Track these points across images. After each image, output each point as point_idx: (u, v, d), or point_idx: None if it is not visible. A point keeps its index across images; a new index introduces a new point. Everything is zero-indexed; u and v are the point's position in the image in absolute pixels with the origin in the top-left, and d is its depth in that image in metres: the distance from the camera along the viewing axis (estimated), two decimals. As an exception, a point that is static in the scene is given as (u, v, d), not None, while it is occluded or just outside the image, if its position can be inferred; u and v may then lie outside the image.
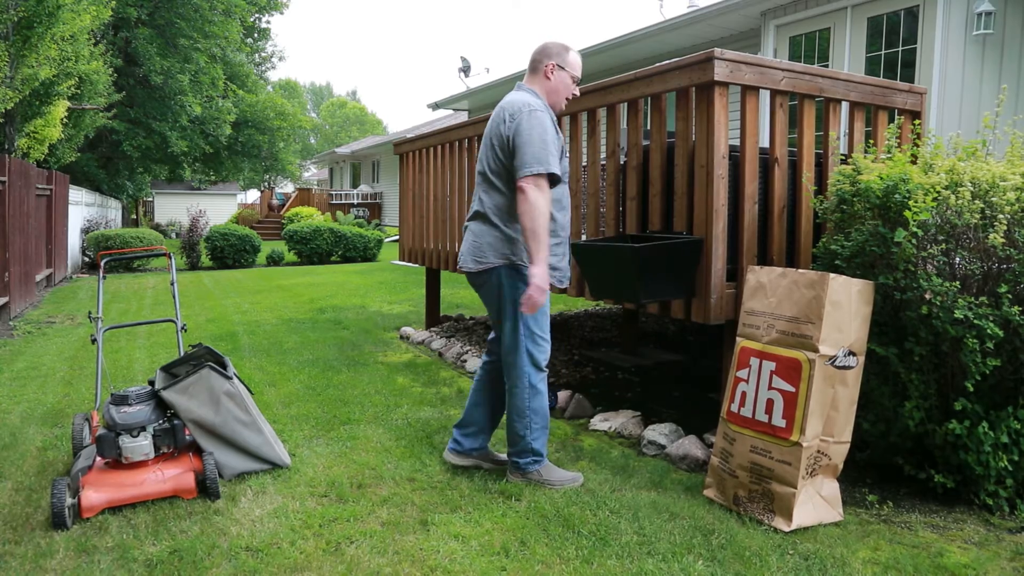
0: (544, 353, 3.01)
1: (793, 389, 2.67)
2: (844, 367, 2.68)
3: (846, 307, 2.67)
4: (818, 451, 2.69)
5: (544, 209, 2.78)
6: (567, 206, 3.07)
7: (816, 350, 2.62)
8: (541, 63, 3.02)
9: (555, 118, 3.00)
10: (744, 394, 2.84)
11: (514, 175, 2.84)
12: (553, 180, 2.87)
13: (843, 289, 2.66)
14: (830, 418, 2.70)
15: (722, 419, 2.96)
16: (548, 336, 3.03)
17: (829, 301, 2.62)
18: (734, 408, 2.88)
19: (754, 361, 2.82)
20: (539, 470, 3.03)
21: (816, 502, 2.71)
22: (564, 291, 3.08)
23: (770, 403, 2.74)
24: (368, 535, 2.60)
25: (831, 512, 2.73)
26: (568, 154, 3.08)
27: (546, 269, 2.81)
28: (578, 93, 3.12)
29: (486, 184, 3.00)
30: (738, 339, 2.95)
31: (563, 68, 3.01)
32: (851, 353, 2.69)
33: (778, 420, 2.71)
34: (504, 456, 3.24)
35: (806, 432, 2.63)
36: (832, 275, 2.64)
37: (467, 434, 3.21)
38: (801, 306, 2.70)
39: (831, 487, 2.76)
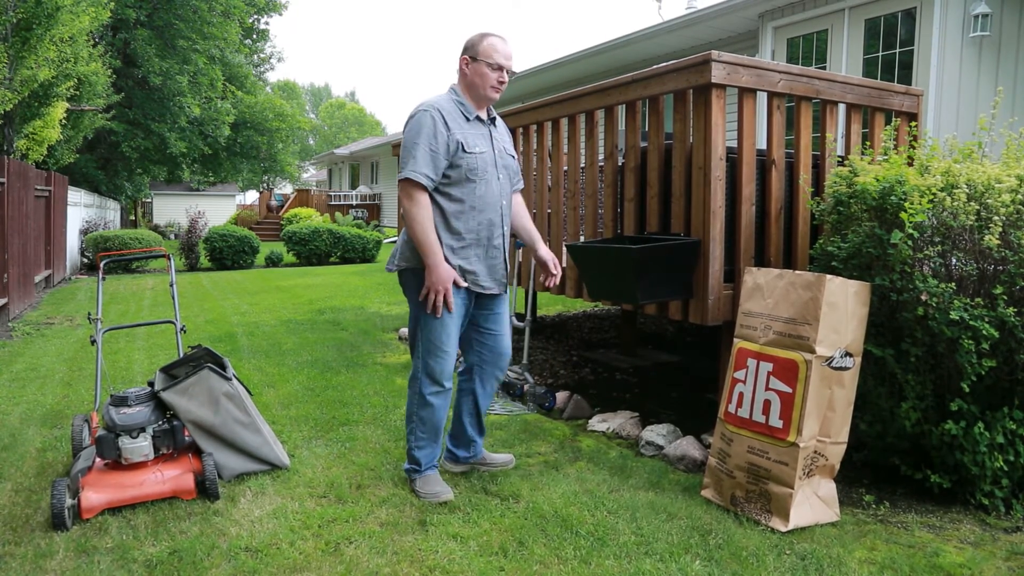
0: (441, 364, 2.90)
1: (790, 390, 2.68)
2: (841, 368, 2.69)
3: (843, 308, 2.68)
4: (815, 452, 2.70)
5: (412, 213, 2.77)
6: (485, 207, 2.90)
7: (813, 351, 2.63)
8: (459, 60, 2.96)
9: (472, 112, 2.91)
10: (741, 395, 2.86)
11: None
12: (421, 185, 2.78)
13: (840, 290, 2.68)
14: (827, 419, 2.71)
15: (719, 420, 2.97)
16: (450, 348, 2.91)
17: (826, 303, 2.64)
18: (731, 409, 2.90)
19: (751, 362, 2.83)
20: (416, 480, 2.98)
21: (813, 502, 2.72)
22: (490, 295, 3.00)
23: (767, 404, 2.75)
24: (367, 535, 2.61)
25: (828, 512, 2.74)
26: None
27: (438, 272, 2.77)
28: (505, 79, 2.92)
29: None
30: (735, 340, 2.96)
31: (476, 59, 2.89)
32: (848, 354, 2.71)
33: (775, 421, 2.72)
34: (501, 457, 3.26)
35: (803, 433, 2.64)
36: (829, 277, 2.66)
37: (458, 444, 3.20)
38: (798, 307, 2.71)
39: (828, 487, 2.77)
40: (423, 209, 2.78)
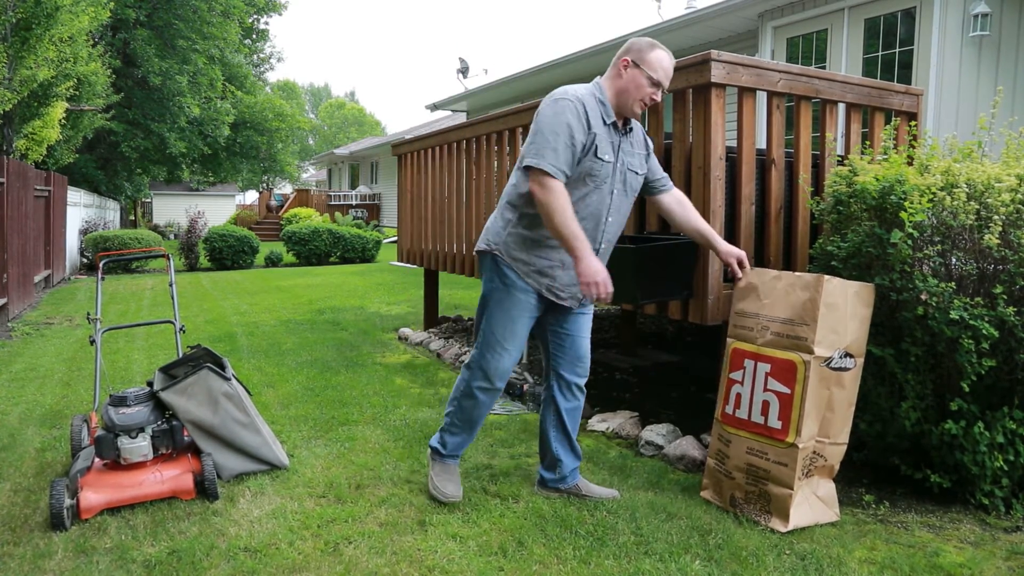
0: (499, 362, 2.77)
1: (788, 391, 2.67)
2: (840, 368, 2.68)
3: (842, 309, 2.68)
4: (814, 452, 2.70)
5: (549, 203, 2.51)
6: (588, 216, 2.69)
7: (811, 352, 2.62)
8: (618, 58, 2.71)
9: (611, 117, 2.67)
10: (739, 396, 2.85)
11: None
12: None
13: (839, 291, 2.67)
14: (826, 419, 2.70)
15: (716, 421, 2.97)
16: (510, 346, 2.76)
17: (824, 303, 2.63)
18: (729, 410, 2.89)
19: (748, 363, 2.82)
20: (436, 462, 2.96)
21: (812, 502, 2.72)
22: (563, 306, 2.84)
23: (766, 405, 2.74)
24: (366, 536, 2.61)
25: (827, 512, 2.74)
26: (613, 159, 2.69)
27: (588, 263, 2.50)
28: (658, 98, 2.71)
29: (515, 171, 2.80)
30: (729, 340, 2.95)
31: (638, 66, 2.65)
32: (848, 355, 2.70)
33: (774, 422, 2.71)
34: (602, 491, 2.97)
35: (802, 433, 2.64)
36: (827, 277, 2.65)
37: (543, 463, 3.03)
38: (796, 308, 2.70)
39: (827, 487, 2.77)
40: (560, 197, 2.53)
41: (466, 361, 2.90)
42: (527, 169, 2.60)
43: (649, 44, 2.69)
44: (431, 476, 2.94)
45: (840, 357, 2.68)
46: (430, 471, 2.97)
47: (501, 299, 2.76)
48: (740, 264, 2.90)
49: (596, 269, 2.51)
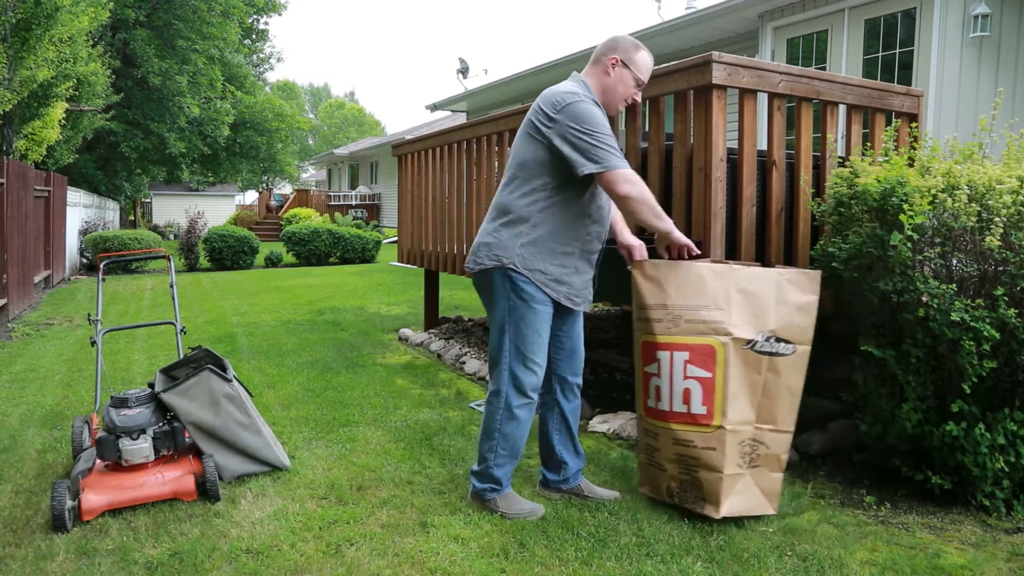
0: (532, 378, 2.74)
1: (710, 375, 2.64)
2: (772, 353, 2.64)
3: (763, 295, 2.64)
4: (752, 439, 2.66)
5: (644, 197, 2.56)
6: (601, 218, 2.77)
7: (729, 333, 2.61)
8: (605, 55, 2.73)
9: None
10: (658, 388, 2.78)
11: (576, 171, 2.59)
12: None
13: (753, 278, 2.64)
14: (763, 405, 2.67)
15: (640, 416, 2.91)
16: (540, 359, 2.74)
17: (736, 290, 2.62)
18: (651, 403, 2.82)
19: (662, 354, 2.74)
20: (496, 499, 2.79)
21: (752, 492, 2.69)
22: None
23: (687, 392, 2.69)
24: (368, 537, 2.61)
25: (765, 505, 2.72)
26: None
27: (676, 234, 2.65)
28: (639, 99, 2.83)
29: (509, 178, 2.76)
30: (636, 335, 2.87)
31: (627, 66, 2.71)
32: (780, 340, 2.66)
33: (698, 408, 2.67)
34: (604, 492, 2.98)
35: (728, 415, 2.62)
36: (734, 267, 2.64)
37: (547, 466, 3.00)
38: (704, 294, 2.66)
39: (772, 480, 2.73)
40: (643, 186, 2.58)
41: (493, 389, 2.78)
42: (605, 176, 2.55)
43: (635, 45, 2.74)
44: (503, 513, 2.75)
45: (766, 340, 2.63)
46: (499, 510, 2.77)
47: (524, 315, 2.70)
48: (631, 255, 2.87)
49: (681, 234, 2.69)
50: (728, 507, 2.65)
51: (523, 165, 2.69)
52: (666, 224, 2.66)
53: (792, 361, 2.68)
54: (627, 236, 2.92)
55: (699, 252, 2.70)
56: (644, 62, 2.74)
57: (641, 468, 2.97)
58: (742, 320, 2.61)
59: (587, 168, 2.55)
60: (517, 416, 2.75)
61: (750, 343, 2.62)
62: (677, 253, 2.75)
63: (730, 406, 2.62)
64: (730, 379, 2.61)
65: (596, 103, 2.67)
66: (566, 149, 2.58)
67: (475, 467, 2.84)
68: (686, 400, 2.69)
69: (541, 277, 2.69)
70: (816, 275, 2.73)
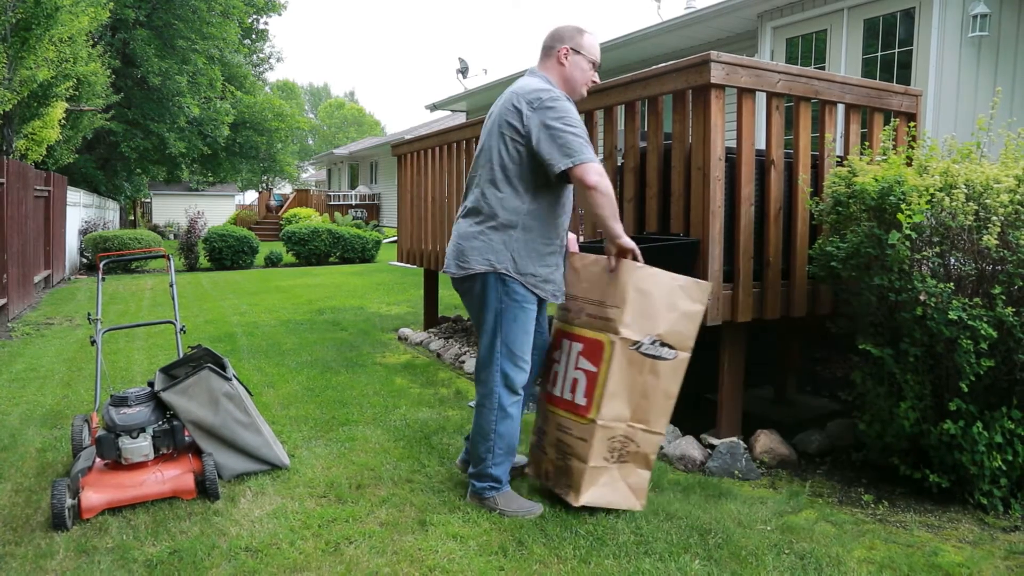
0: (522, 376, 2.80)
1: (595, 369, 2.72)
2: (655, 356, 2.70)
3: (658, 298, 2.69)
4: (624, 435, 2.72)
5: (609, 193, 2.61)
6: (569, 211, 2.86)
7: (618, 332, 2.66)
8: (554, 48, 2.79)
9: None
10: (556, 374, 2.91)
11: (551, 167, 2.61)
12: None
13: (652, 279, 2.68)
14: (640, 406, 2.73)
15: (540, 399, 3.03)
16: (528, 357, 2.81)
17: (633, 288, 2.66)
18: (548, 388, 2.95)
19: (565, 343, 2.88)
20: (496, 497, 2.81)
21: (618, 487, 2.76)
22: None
23: (575, 382, 2.80)
24: (367, 535, 2.61)
25: (632, 501, 2.78)
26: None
27: (625, 238, 2.66)
28: (598, 80, 2.87)
29: (488, 178, 2.74)
30: (555, 322, 3.01)
31: (578, 52, 2.78)
32: (664, 344, 2.70)
33: (580, 399, 2.77)
34: (523, 459, 3.15)
35: (602, 411, 2.68)
36: (637, 264, 2.68)
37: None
38: (607, 291, 2.74)
39: (640, 476, 2.80)
40: (609, 183, 2.63)
41: (484, 392, 2.81)
42: (576, 170, 2.57)
43: (577, 30, 2.81)
44: (503, 511, 2.77)
45: (651, 343, 2.69)
46: (499, 508, 2.79)
47: (516, 316, 2.75)
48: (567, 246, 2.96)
49: (629, 240, 2.69)
50: (588, 497, 2.72)
51: (503, 166, 2.71)
52: (619, 228, 2.67)
53: (672, 366, 2.74)
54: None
55: (642, 261, 2.70)
56: (592, 43, 2.81)
57: (530, 449, 3.07)
58: (633, 320, 2.67)
59: (562, 164, 2.59)
60: (511, 414, 2.81)
61: (636, 344, 2.68)
62: (617, 259, 2.73)
63: (606, 403, 2.69)
64: (612, 376, 2.68)
65: (567, 98, 2.70)
66: (544, 146, 2.62)
67: (472, 469, 2.88)
68: (573, 389, 2.80)
69: (532, 280, 2.75)
70: (707, 286, 2.79)
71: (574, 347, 2.83)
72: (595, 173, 2.59)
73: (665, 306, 2.70)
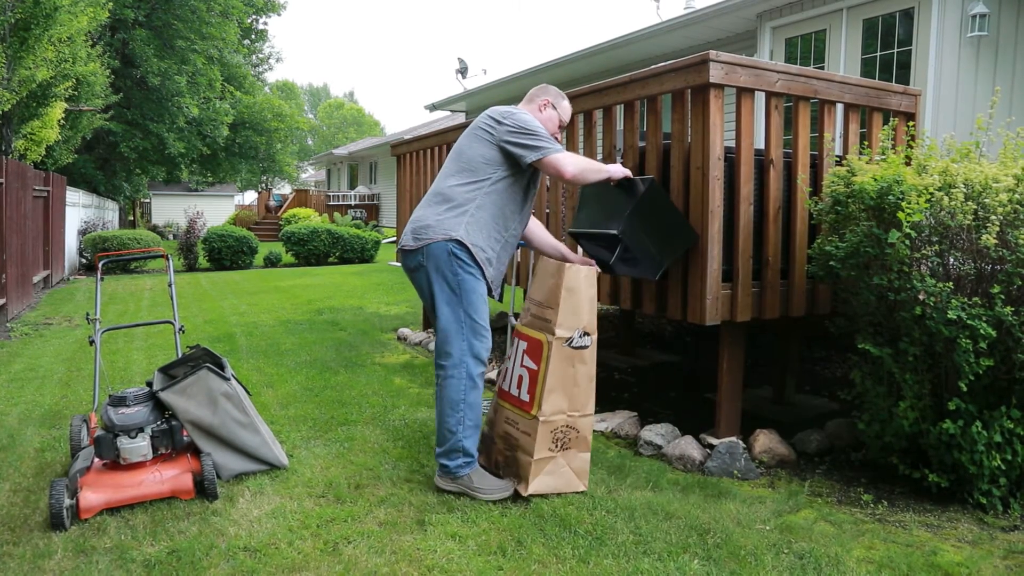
0: (485, 345, 2.96)
1: (536, 367, 2.93)
2: (581, 347, 2.92)
3: (580, 292, 2.90)
4: (565, 425, 2.92)
5: (580, 164, 2.96)
6: (526, 218, 3.13)
7: (554, 333, 2.87)
8: (538, 96, 3.22)
9: None
10: (507, 370, 3.12)
11: (522, 161, 2.94)
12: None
13: (576, 276, 2.90)
14: (574, 395, 2.93)
15: (494, 393, 3.18)
16: (488, 328, 2.98)
17: (565, 288, 2.86)
18: (501, 382, 3.15)
19: (516, 341, 3.10)
20: (470, 475, 2.91)
21: (563, 472, 2.94)
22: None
23: (520, 379, 3.00)
24: (366, 535, 2.61)
25: (576, 483, 2.97)
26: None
27: (616, 168, 3.06)
28: (560, 139, 3.27)
29: (454, 171, 3.04)
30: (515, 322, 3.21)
31: (555, 108, 3.20)
32: (586, 334, 2.93)
33: (524, 395, 2.97)
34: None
35: (543, 407, 2.86)
36: (568, 264, 2.91)
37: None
38: (547, 292, 2.96)
39: (582, 459, 2.99)
40: (580, 158, 3.02)
41: (452, 363, 2.93)
42: (545, 161, 2.90)
43: (559, 94, 3.25)
44: (477, 489, 2.89)
45: (579, 336, 2.92)
46: (473, 485, 2.90)
47: (473, 286, 2.93)
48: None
49: (619, 167, 3.09)
50: (535, 486, 2.89)
51: (470, 161, 3.00)
52: (609, 170, 3.05)
53: (592, 351, 2.96)
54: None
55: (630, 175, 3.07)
56: (567, 108, 3.25)
57: (482, 439, 3.17)
58: (564, 319, 2.89)
59: (531, 156, 2.91)
60: (478, 384, 2.97)
61: (568, 340, 2.90)
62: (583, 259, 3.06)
63: (546, 399, 2.88)
64: (551, 374, 2.88)
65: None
66: (512, 148, 2.94)
67: (440, 448, 2.97)
68: (519, 385, 3.01)
69: (480, 253, 2.94)
70: (594, 270, 3.01)
71: (520, 345, 3.05)
72: (566, 160, 2.91)
73: (587, 299, 2.93)
